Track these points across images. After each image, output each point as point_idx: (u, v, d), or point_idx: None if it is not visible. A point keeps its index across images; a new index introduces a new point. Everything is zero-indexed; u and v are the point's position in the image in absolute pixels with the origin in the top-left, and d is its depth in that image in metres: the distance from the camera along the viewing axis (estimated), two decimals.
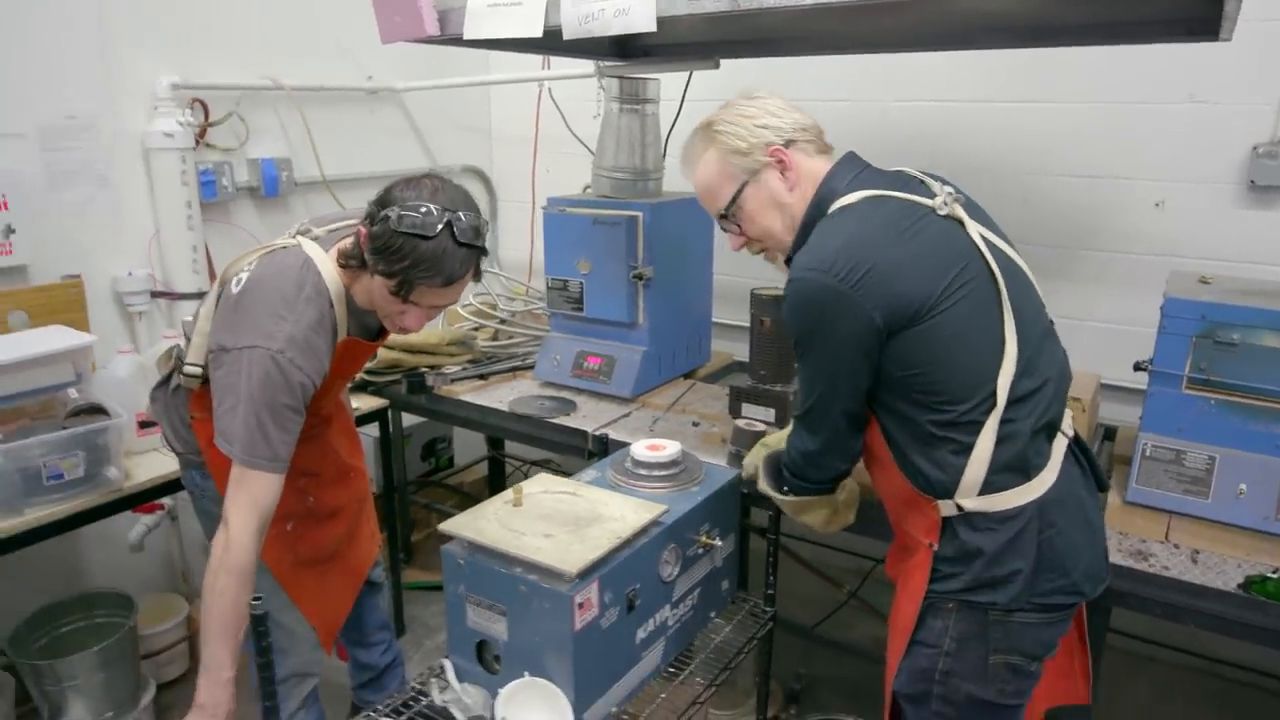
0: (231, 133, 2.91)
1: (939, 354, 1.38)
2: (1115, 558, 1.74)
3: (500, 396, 2.69)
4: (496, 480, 3.64)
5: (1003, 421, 1.38)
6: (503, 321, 3.11)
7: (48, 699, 2.27)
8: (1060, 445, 1.45)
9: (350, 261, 1.71)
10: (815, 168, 1.55)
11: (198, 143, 2.78)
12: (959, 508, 1.41)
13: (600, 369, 2.66)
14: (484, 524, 1.66)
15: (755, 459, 1.94)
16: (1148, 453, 1.95)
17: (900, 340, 1.38)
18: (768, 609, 2.04)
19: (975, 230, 1.46)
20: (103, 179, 2.61)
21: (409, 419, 3.19)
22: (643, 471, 1.89)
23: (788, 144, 1.54)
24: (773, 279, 2.44)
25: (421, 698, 1.69)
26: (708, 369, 2.96)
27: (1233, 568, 1.74)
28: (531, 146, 3.70)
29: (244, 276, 1.71)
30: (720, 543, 1.89)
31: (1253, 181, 2.43)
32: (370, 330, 1.88)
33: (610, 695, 1.65)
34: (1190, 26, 1.92)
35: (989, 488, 1.39)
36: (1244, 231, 2.46)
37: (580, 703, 1.56)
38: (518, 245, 3.94)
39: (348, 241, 1.73)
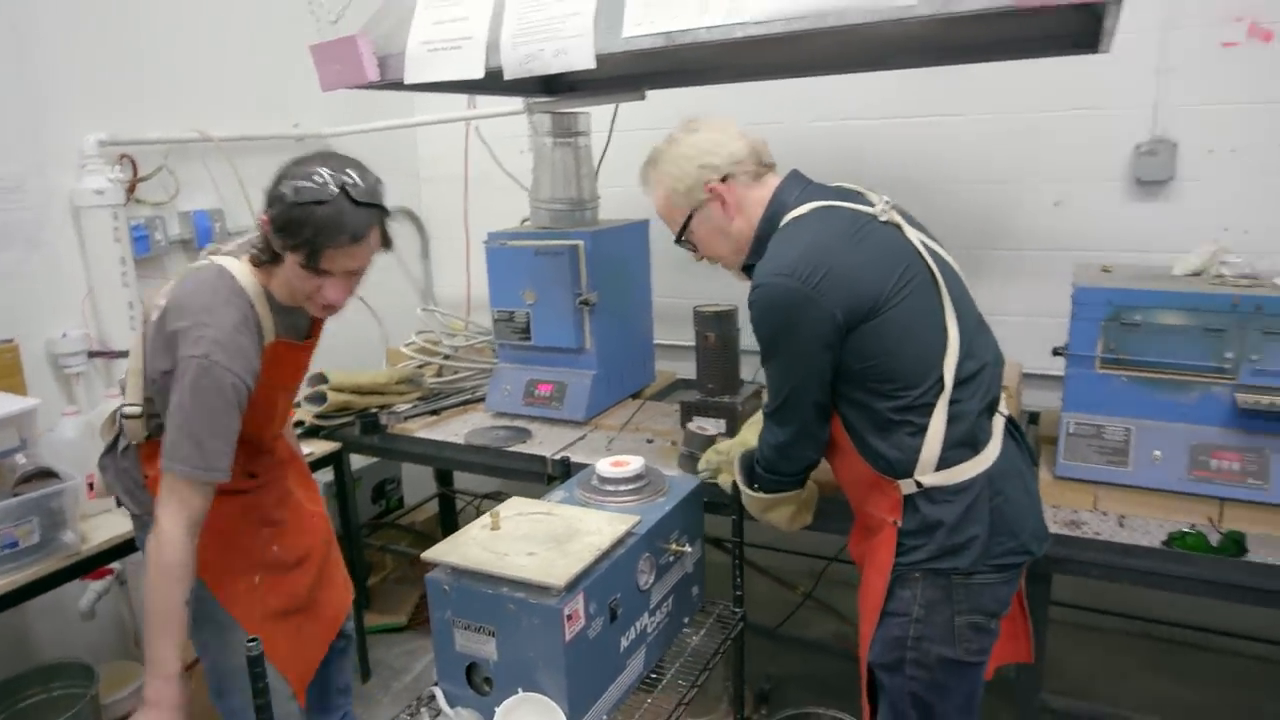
0: (161, 187, 2.89)
1: (892, 345, 1.52)
2: (1051, 528, 1.88)
3: (454, 430, 2.73)
4: (448, 517, 3.65)
5: (952, 402, 1.52)
6: (447, 357, 3.15)
7: None
8: (999, 422, 1.61)
9: (261, 257, 1.74)
10: (754, 194, 1.69)
11: (128, 198, 2.76)
12: (918, 485, 1.55)
13: (552, 395, 2.73)
14: (466, 549, 1.70)
15: (712, 460, 2.11)
16: (1071, 430, 2.12)
17: (857, 335, 1.52)
18: (737, 610, 2.13)
19: (913, 234, 1.62)
20: (33, 240, 2.57)
21: (357, 461, 3.19)
22: (610, 487, 1.97)
23: (724, 179, 1.68)
24: (710, 296, 2.58)
25: None
26: (654, 388, 3.06)
27: (1156, 527, 1.91)
28: (459, 184, 3.75)
29: (162, 303, 1.74)
30: (690, 549, 1.97)
31: (1138, 178, 2.66)
32: (299, 330, 1.90)
33: (599, 705, 1.71)
34: (1075, 40, 2.12)
35: (944, 463, 1.54)
36: (1133, 223, 2.69)
37: (573, 714, 1.61)
38: (453, 282, 3.97)
39: (254, 238, 1.78)
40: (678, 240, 1.79)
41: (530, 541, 1.72)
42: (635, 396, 2.97)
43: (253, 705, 1.56)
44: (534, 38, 1.95)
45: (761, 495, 1.83)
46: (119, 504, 2.00)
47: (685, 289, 3.14)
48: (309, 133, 3.39)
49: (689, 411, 2.49)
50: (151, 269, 2.86)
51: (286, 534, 2.05)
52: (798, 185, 1.69)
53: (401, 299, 3.89)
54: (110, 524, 2.29)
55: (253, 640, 1.51)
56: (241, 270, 1.75)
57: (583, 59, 1.90)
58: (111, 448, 1.96)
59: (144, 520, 1.92)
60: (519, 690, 1.61)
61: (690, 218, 1.72)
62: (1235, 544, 1.81)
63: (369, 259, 1.75)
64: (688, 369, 3.20)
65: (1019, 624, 1.79)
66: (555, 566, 1.60)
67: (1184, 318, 1.98)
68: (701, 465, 2.19)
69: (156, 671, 1.66)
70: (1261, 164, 2.53)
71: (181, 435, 1.64)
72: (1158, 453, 2.04)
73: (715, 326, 2.44)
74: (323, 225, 1.61)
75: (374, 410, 2.83)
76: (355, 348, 3.45)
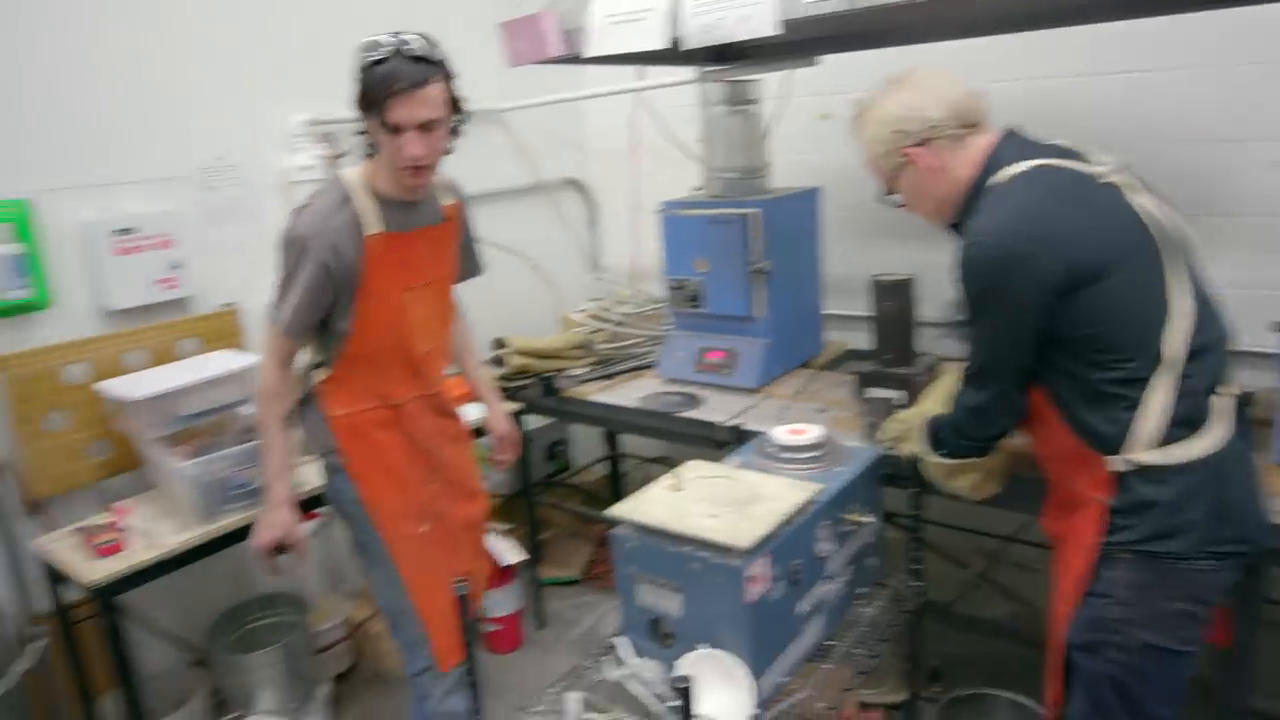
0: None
1: (1112, 313, 1.46)
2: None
3: (627, 394, 2.81)
4: (616, 479, 3.76)
5: (1182, 377, 1.44)
6: (619, 324, 3.23)
7: (239, 691, 2.47)
8: (1227, 403, 1.50)
9: (368, 150, 1.97)
10: (959, 156, 1.63)
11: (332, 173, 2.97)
12: (1132, 462, 1.47)
13: (723, 363, 2.76)
14: (650, 507, 1.77)
15: (893, 430, 2.09)
16: None
17: (1074, 300, 1.46)
18: (915, 584, 2.10)
19: (1141, 198, 1.53)
20: (250, 213, 2.82)
21: (530, 423, 3.33)
22: (788, 455, 1.98)
23: (924, 142, 1.64)
24: (882, 267, 2.52)
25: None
26: (823, 359, 3.03)
27: None
28: (625, 156, 3.81)
29: None
30: (868, 519, 1.96)
31: None
32: (411, 225, 2.03)
33: (778, 666, 1.74)
34: None
35: (1165, 441, 1.46)
36: None
37: (754, 672, 1.65)
38: (618, 251, 4.05)
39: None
40: (885, 195, 1.78)
41: (712, 503, 1.76)
42: (804, 366, 2.95)
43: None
44: (715, 6, 1.95)
45: (946, 461, 1.81)
46: (310, 450, 2.17)
47: (853, 259, 3.08)
48: (486, 107, 3.52)
49: (865, 381, 2.46)
50: None
51: (456, 499, 2.22)
52: (1013, 143, 1.62)
53: (570, 266, 4.01)
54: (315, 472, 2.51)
55: (460, 581, 1.64)
56: (352, 171, 2.00)
57: (766, 26, 1.89)
58: (301, 402, 2.12)
59: (331, 464, 2.09)
60: (701, 646, 1.67)
61: (893, 178, 1.72)
62: None
63: (436, 111, 1.87)
64: (856, 340, 3.15)
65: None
66: (739, 529, 1.64)
67: None
68: (882, 434, 2.16)
69: (266, 499, 2.04)
70: None
71: (276, 294, 1.95)
72: None
73: (893, 295, 2.39)
74: (382, 79, 1.81)
75: (550, 374, 2.95)
76: (529, 313, 3.60)
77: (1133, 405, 1.47)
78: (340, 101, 3.00)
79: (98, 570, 2.02)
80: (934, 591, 2.89)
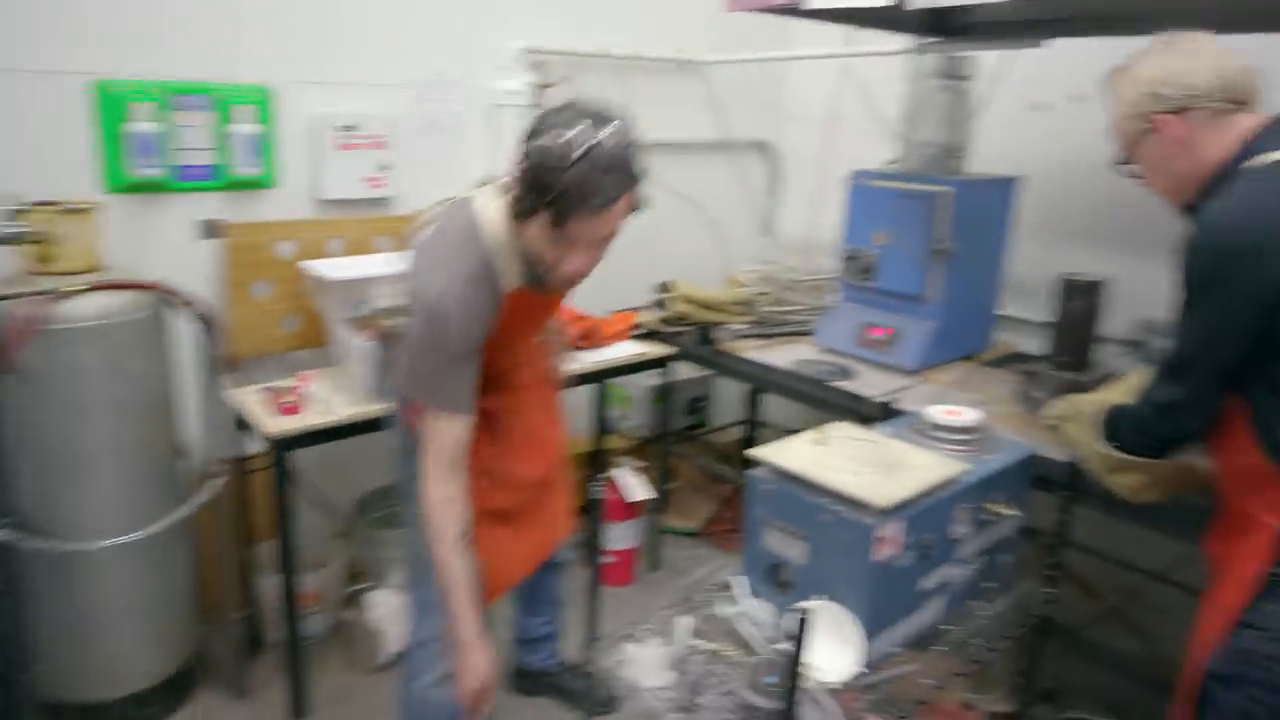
0: (563, 95, 3.21)
1: None
2: None
3: (781, 356, 2.81)
4: (750, 443, 3.77)
5: None
6: (785, 288, 3.22)
7: (373, 565, 2.67)
8: None
9: (518, 207, 1.66)
10: (1214, 135, 1.52)
11: (538, 102, 3.10)
12: None
13: (886, 340, 2.70)
14: (791, 455, 1.77)
15: (1059, 408, 2.05)
16: None
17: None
18: (1050, 589, 2.02)
19: None
20: (457, 129, 2.99)
21: (681, 372, 3.38)
22: (941, 434, 1.93)
23: (1179, 111, 1.53)
24: (1073, 267, 2.39)
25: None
26: (989, 355, 2.91)
27: None
28: (817, 125, 3.76)
29: (428, 230, 1.79)
30: (1010, 513, 1.89)
31: None
32: (544, 286, 1.83)
33: (891, 635, 1.72)
34: None
35: None
36: None
37: (867, 633, 1.64)
38: (795, 220, 4.02)
39: (511, 183, 1.68)
40: (1120, 162, 1.68)
41: (855, 462, 1.75)
42: (968, 359, 2.85)
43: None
44: None
45: (1114, 453, 1.73)
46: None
47: (1040, 260, 2.93)
48: (689, 57, 3.57)
49: (1032, 380, 2.36)
50: None
51: (517, 451, 2.05)
52: (1278, 131, 1.50)
53: (744, 229, 4.02)
54: None
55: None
56: (495, 218, 1.72)
57: None
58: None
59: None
60: (819, 597, 1.67)
61: (1135, 144, 1.62)
62: None
63: (616, 227, 1.68)
64: (1027, 345, 3.01)
65: None
66: (879, 489, 1.62)
67: None
68: (1047, 410, 2.09)
69: (457, 638, 1.78)
70: None
71: (418, 375, 1.73)
72: None
73: (1082, 296, 2.27)
74: (568, 189, 1.55)
75: (709, 324, 2.98)
76: (697, 268, 3.64)
77: None
78: (556, 32, 3.18)
79: (278, 425, 2.24)
80: (1063, 615, 2.76)
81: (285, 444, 2.22)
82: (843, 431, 1.91)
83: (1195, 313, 1.49)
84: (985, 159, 2.89)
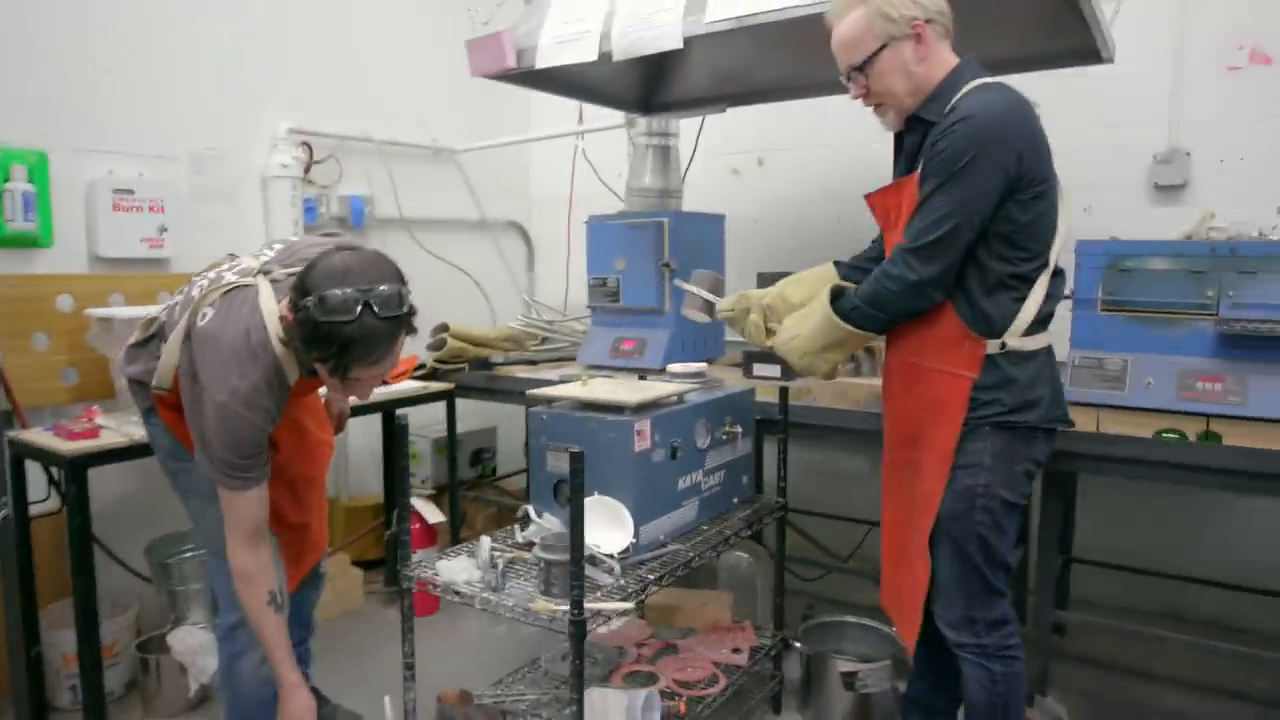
0: (328, 172, 3.56)
1: (1034, 218, 1.76)
2: (1062, 442, 2.15)
3: (548, 375, 3.21)
4: None
5: (1052, 279, 1.82)
6: (549, 322, 3.67)
7: (175, 602, 2.68)
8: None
9: (289, 341, 1.75)
10: (942, 53, 1.83)
11: (304, 177, 3.42)
12: (1003, 345, 1.79)
13: (635, 349, 3.20)
14: (561, 389, 2.17)
15: (731, 303, 2.17)
16: (1076, 362, 2.46)
17: (1015, 198, 1.74)
18: (779, 499, 2.50)
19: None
20: (230, 198, 3.24)
21: (461, 426, 3.65)
22: (678, 378, 2.42)
23: (928, 22, 1.79)
24: (776, 267, 3.03)
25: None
26: (725, 360, 3.48)
27: (1146, 433, 2.23)
28: (564, 205, 4.35)
29: (208, 314, 1.81)
30: (739, 430, 2.38)
31: (1156, 183, 3.04)
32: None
33: (658, 525, 2.11)
34: (1084, 55, 2.59)
35: (1029, 331, 1.80)
36: (1153, 224, 3.03)
37: (637, 519, 2.02)
38: (556, 290, 4.52)
39: (285, 313, 1.74)
40: (854, 68, 1.84)
41: (612, 387, 2.18)
42: (709, 362, 3.39)
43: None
44: (636, 28, 2.50)
45: (844, 327, 1.88)
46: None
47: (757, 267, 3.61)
48: (444, 145, 4.05)
49: (750, 358, 2.92)
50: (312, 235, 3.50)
51: (286, 451, 2.11)
52: (977, 65, 1.84)
53: (507, 296, 4.46)
54: None
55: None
56: (275, 326, 1.77)
57: (673, 40, 2.44)
58: (140, 344, 2.04)
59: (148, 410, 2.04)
60: (595, 493, 2.03)
61: (883, 47, 1.80)
62: (1213, 438, 2.12)
63: (396, 362, 1.81)
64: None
65: None
66: (630, 397, 2.05)
67: (1170, 263, 2.34)
68: (723, 305, 2.19)
69: (280, 683, 1.89)
70: (1266, 172, 2.88)
71: (213, 461, 1.78)
72: (1150, 379, 2.36)
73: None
74: (347, 343, 1.62)
75: (483, 358, 3.34)
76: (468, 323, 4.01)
77: (1020, 298, 1.79)
78: (321, 115, 3.53)
79: (75, 447, 2.28)
80: (807, 571, 3.27)
81: (85, 462, 2.27)
82: (600, 377, 2.34)
83: (950, 190, 1.72)
84: (698, 207, 3.57)
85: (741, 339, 2.24)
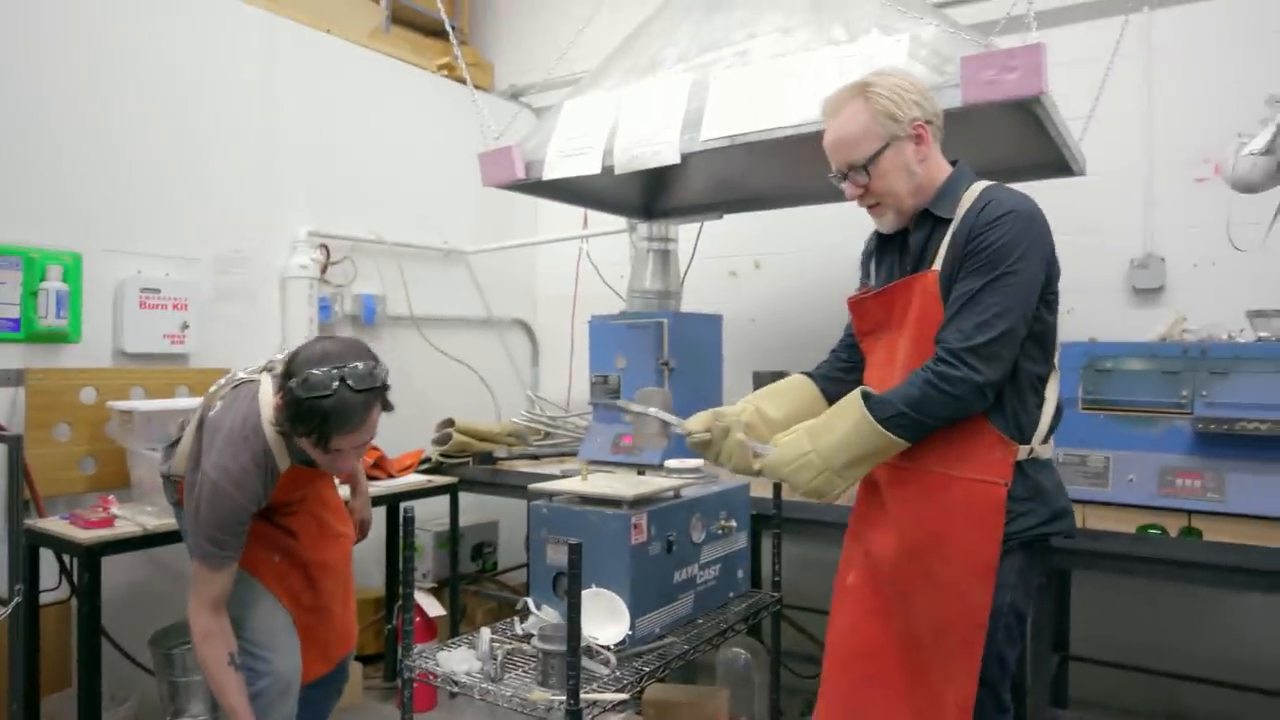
0: (343, 272, 3.73)
1: (1054, 317, 1.75)
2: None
3: (550, 469, 3.29)
4: None
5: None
6: (551, 418, 3.76)
7: (177, 693, 2.70)
8: None
9: (286, 429, 1.97)
10: (936, 154, 1.80)
11: (320, 277, 3.58)
12: (1030, 451, 1.71)
13: (633, 445, 3.28)
14: (561, 484, 2.25)
15: (707, 421, 1.87)
16: (1060, 460, 2.53)
17: (1044, 297, 1.71)
18: (774, 595, 2.55)
19: None
20: (251, 297, 3.39)
21: (464, 520, 3.72)
22: (675, 474, 2.50)
23: (928, 123, 1.76)
24: (773, 366, 3.15)
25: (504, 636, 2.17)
26: None
27: (1130, 529, 2.30)
28: (568, 304, 4.52)
29: (218, 407, 2.09)
30: (735, 525, 2.44)
31: (1134, 286, 3.18)
32: (310, 461, 2.10)
33: (654, 618, 2.15)
34: (1058, 168, 2.76)
35: (1046, 435, 1.74)
36: (1133, 325, 3.16)
37: (634, 612, 2.07)
38: (559, 387, 4.64)
39: (277, 404, 1.97)
40: (852, 167, 1.77)
41: (610, 481, 2.26)
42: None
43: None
44: (637, 144, 2.69)
45: (886, 436, 1.65)
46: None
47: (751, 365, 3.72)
48: (454, 247, 4.24)
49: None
50: (327, 333, 3.64)
51: (304, 539, 2.32)
52: (971, 171, 1.83)
53: (511, 391, 4.58)
54: None
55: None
56: (272, 410, 1.99)
57: (671, 156, 2.61)
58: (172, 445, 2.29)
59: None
60: (593, 586, 2.09)
61: (886, 146, 1.74)
62: (1194, 534, 2.19)
63: (374, 432, 2.03)
64: None
65: None
66: (627, 491, 2.13)
67: (1146, 364, 2.45)
68: (694, 426, 1.87)
69: None
70: (1236, 274, 3.02)
71: (198, 534, 2.00)
72: (1132, 476, 2.43)
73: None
74: (327, 416, 1.87)
75: (487, 452, 3.43)
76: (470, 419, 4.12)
77: (1041, 401, 1.73)
78: (337, 219, 3.72)
79: (91, 535, 2.35)
80: (808, 668, 3.27)
81: (100, 551, 2.34)
82: (600, 471, 2.43)
83: (1007, 282, 1.63)
84: (692, 304, 3.72)
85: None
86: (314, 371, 1.88)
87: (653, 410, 1.96)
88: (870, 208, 1.83)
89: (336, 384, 1.87)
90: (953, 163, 1.82)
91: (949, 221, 1.74)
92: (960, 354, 1.63)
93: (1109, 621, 3.18)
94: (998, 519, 1.68)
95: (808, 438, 1.72)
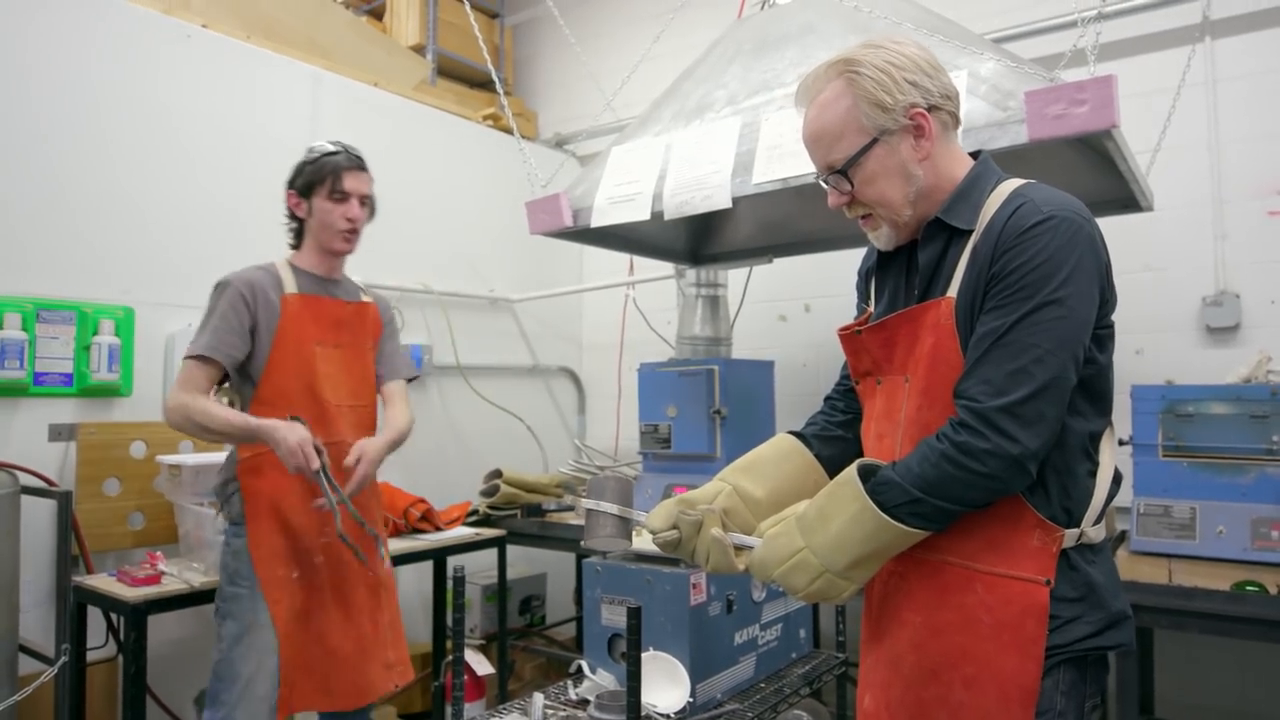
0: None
1: (1108, 357, 1.29)
2: (1135, 595, 2.03)
3: None
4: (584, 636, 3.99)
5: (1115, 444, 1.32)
6: (599, 469, 3.69)
7: None
8: None
9: (293, 241, 2.38)
10: (952, 146, 1.38)
11: None
12: (1080, 536, 1.26)
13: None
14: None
15: (675, 513, 1.50)
16: (1141, 510, 2.40)
17: (1096, 330, 1.26)
18: (839, 655, 2.42)
19: None
20: None
21: (511, 573, 3.64)
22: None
23: (931, 109, 1.33)
24: None
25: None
26: None
27: (1224, 585, 2.14)
28: (615, 350, 4.47)
29: None
30: None
31: (1207, 325, 3.03)
32: (321, 293, 2.35)
33: (715, 682, 2.05)
34: (1124, 204, 2.65)
35: (1100, 514, 1.28)
36: (1207, 365, 3.01)
37: (694, 677, 1.97)
38: (605, 434, 4.58)
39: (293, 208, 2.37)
40: (833, 170, 1.37)
41: None
42: None
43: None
44: (686, 189, 2.64)
45: (896, 528, 1.24)
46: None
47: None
48: (500, 295, 4.22)
49: None
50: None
51: (331, 562, 2.25)
52: (996, 167, 1.40)
53: (558, 440, 4.52)
54: None
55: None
56: (275, 259, 2.37)
57: (722, 201, 2.56)
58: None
59: (231, 516, 2.24)
60: (650, 649, 1.99)
61: (870, 146, 1.33)
62: None
63: (369, 189, 2.38)
64: None
65: None
66: None
67: (1230, 408, 2.31)
68: (656, 524, 1.50)
69: (263, 435, 2.07)
70: None
71: (198, 334, 2.19)
72: (1222, 528, 2.28)
73: None
74: (337, 159, 2.31)
75: (534, 504, 3.36)
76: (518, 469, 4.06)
77: (1095, 468, 1.28)
78: (384, 269, 3.72)
79: (137, 593, 2.31)
80: None
81: (145, 609, 2.30)
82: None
83: (1050, 315, 1.21)
84: (742, 349, 3.64)
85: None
86: (312, 148, 2.35)
87: (605, 505, 1.54)
88: (860, 219, 1.42)
89: (332, 147, 2.34)
90: (974, 155, 1.40)
91: (969, 233, 1.31)
92: (989, 416, 1.20)
93: (1198, 682, 2.98)
94: (1039, 630, 1.23)
95: (799, 531, 1.30)
